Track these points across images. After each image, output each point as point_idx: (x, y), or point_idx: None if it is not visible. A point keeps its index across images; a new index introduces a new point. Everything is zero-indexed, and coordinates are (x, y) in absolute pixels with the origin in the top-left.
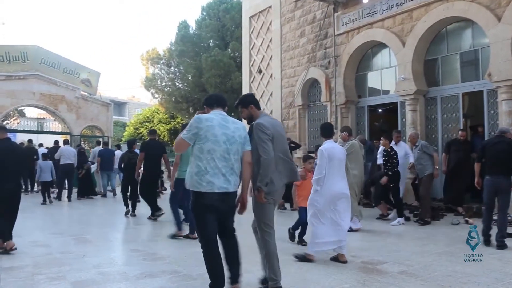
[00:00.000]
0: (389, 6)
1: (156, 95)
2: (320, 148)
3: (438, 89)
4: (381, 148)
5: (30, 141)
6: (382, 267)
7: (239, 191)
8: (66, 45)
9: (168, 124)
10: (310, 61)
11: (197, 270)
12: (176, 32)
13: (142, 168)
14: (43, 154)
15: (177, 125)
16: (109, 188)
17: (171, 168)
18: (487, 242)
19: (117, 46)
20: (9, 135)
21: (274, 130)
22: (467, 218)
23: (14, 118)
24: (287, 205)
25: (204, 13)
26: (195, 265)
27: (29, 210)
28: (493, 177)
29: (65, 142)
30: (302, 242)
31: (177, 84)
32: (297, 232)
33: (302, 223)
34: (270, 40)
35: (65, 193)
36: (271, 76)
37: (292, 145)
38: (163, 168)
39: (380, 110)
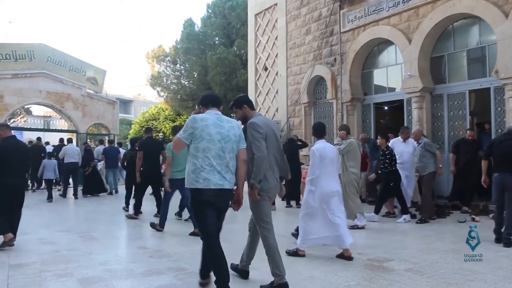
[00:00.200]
0: (395, 3)
1: (162, 93)
2: (312, 148)
3: (444, 86)
4: (390, 144)
5: (38, 139)
6: (388, 264)
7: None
8: (72, 43)
9: (173, 122)
10: (316, 59)
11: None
12: (182, 30)
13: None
14: (48, 153)
15: (183, 123)
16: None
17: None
18: (497, 240)
19: (123, 44)
20: (16, 133)
21: (268, 129)
22: (473, 216)
23: (21, 116)
24: (292, 203)
25: (210, 11)
26: None
27: (35, 208)
28: (501, 175)
29: (69, 141)
30: None
31: (182, 82)
32: None
33: None
34: (276, 38)
35: (70, 191)
36: (276, 74)
37: (299, 143)
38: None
39: (386, 108)
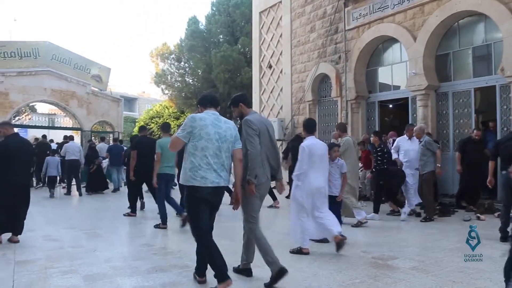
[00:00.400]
0: (400, 0)
1: (166, 91)
2: (301, 144)
3: (449, 84)
4: (396, 143)
5: (44, 136)
6: (393, 262)
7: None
8: (76, 41)
9: (177, 120)
10: (321, 56)
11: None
12: (186, 27)
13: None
14: (52, 150)
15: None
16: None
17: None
18: (503, 239)
19: (127, 42)
20: (21, 131)
21: (261, 126)
22: (478, 215)
23: (26, 114)
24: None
25: (214, 9)
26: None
27: (40, 205)
28: (507, 174)
29: (70, 138)
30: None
31: (187, 79)
32: None
33: None
34: (280, 35)
35: (74, 188)
36: (281, 72)
37: None
38: None
39: (390, 106)
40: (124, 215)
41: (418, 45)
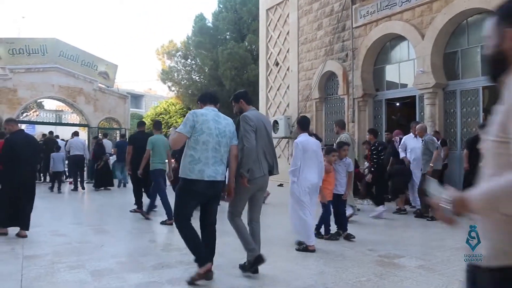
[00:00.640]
0: None
1: (173, 88)
2: (295, 141)
3: (457, 82)
4: (402, 141)
5: (51, 132)
6: (400, 261)
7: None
8: (84, 38)
9: (184, 117)
10: (328, 54)
11: (214, 261)
12: (193, 24)
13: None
14: (57, 147)
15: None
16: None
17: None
18: None
19: (134, 39)
20: (29, 127)
21: (258, 122)
22: None
23: (34, 110)
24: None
25: (221, 6)
26: None
27: (47, 200)
28: None
29: (75, 134)
30: (319, 234)
31: (193, 77)
32: (322, 230)
33: (327, 216)
34: (287, 33)
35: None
36: (288, 69)
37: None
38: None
39: (398, 104)
40: (131, 211)
41: (426, 43)
